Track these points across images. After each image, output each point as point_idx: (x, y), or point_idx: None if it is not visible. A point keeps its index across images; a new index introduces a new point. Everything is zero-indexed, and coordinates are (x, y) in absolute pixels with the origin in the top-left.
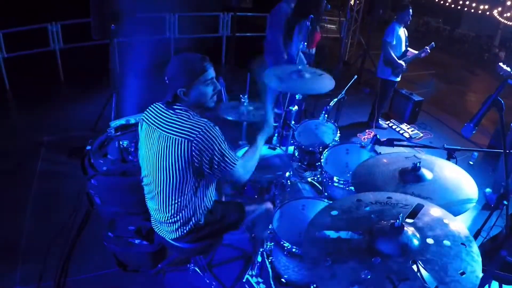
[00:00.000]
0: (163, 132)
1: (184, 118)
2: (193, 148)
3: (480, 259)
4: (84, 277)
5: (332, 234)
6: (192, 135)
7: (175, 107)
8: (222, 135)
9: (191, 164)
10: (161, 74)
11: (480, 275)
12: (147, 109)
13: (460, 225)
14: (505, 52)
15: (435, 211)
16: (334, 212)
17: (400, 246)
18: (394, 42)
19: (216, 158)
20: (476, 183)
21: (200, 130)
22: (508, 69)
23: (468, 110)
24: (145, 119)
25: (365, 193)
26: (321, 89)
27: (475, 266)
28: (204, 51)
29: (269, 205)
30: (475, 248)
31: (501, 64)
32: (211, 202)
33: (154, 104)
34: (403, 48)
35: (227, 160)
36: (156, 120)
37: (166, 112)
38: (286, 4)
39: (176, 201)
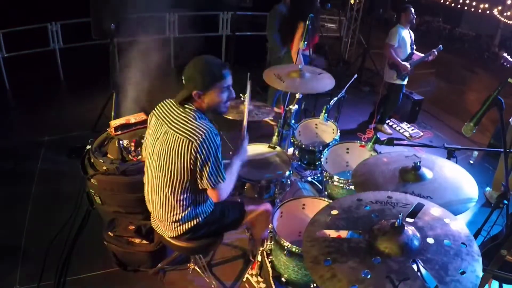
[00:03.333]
0: (169, 129)
1: (191, 118)
2: (191, 149)
3: (480, 258)
4: (84, 277)
5: (332, 233)
6: (194, 136)
7: (186, 105)
8: (220, 146)
9: (189, 165)
10: (161, 73)
11: (481, 274)
12: (159, 104)
13: (460, 224)
14: (505, 51)
15: (436, 211)
16: (334, 212)
17: (400, 246)
18: (397, 45)
19: (210, 165)
20: (476, 182)
21: (202, 134)
22: None
23: (468, 109)
24: (155, 113)
25: (365, 193)
26: (321, 88)
27: (476, 266)
28: (204, 50)
29: (268, 205)
30: (475, 248)
31: (505, 54)
32: (211, 201)
33: (167, 100)
34: (408, 51)
35: (218, 172)
36: (165, 116)
37: (176, 109)
38: (282, 5)
39: (175, 200)
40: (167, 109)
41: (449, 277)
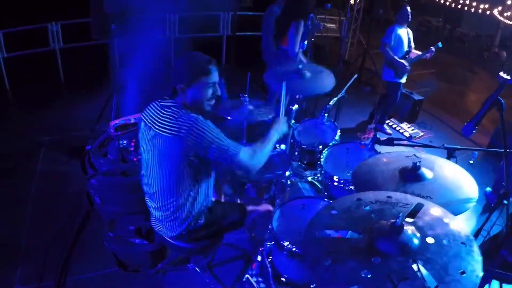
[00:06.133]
0: (156, 131)
1: (175, 116)
2: (184, 145)
3: (480, 258)
4: (84, 277)
5: (332, 233)
6: (182, 131)
7: (169, 104)
8: (216, 127)
9: (185, 161)
10: (161, 73)
11: (481, 274)
12: (146, 108)
13: (460, 224)
14: (505, 51)
15: (435, 210)
16: (334, 212)
17: (400, 246)
18: (393, 43)
19: (213, 147)
20: (476, 182)
21: (189, 126)
22: (509, 77)
23: (468, 109)
24: (143, 117)
25: (365, 192)
26: (322, 88)
27: (476, 266)
28: (204, 51)
29: (268, 205)
30: (475, 248)
31: (501, 73)
32: (210, 201)
33: (152, 103)
34: (405, 49)
35: (226, 147)
36: (151, 119)
37: (160, 110)
38: (277, 6)
39: (173, 199)
40: (153, 112)
41: (449, 277)
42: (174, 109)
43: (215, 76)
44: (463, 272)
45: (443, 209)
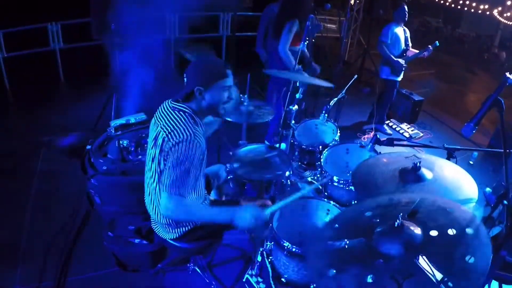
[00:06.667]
0: (161, 129)
1: (181, 121)
2: (167, 145)
3: (489, 241)
4: (84, 277)
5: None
6: (175, 137)
7: (181, 108)
8: (193, 157)
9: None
10: (162, 73)
11: (490, 258)
12: (160, 106)
13: (465, 210)
14: (505, 52)
15: (438, 201)
16: (336, 225)
17: (403, 245)
18: (389, 41)
19: (172, 170)
20: (476, 183)
21: (185, 135)
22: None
23: (468, 109)
24: (156, 116)
25: (366, 200)
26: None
27: (485, 250)
28: None
29: (265, 200)
30: (482, 231)
31: (507, 74)
32: (204, 200)
33: (166, 102)
34: (402, 47)
35: (167, 178)
36: (160, 117)
37: (171, 111)
38: (276, 5)
39: None
40: (163, 111)
41: (457, 267)
42: (183, 114)
43: (231, 80)
44: (470, 258)
45: (445, 198)
